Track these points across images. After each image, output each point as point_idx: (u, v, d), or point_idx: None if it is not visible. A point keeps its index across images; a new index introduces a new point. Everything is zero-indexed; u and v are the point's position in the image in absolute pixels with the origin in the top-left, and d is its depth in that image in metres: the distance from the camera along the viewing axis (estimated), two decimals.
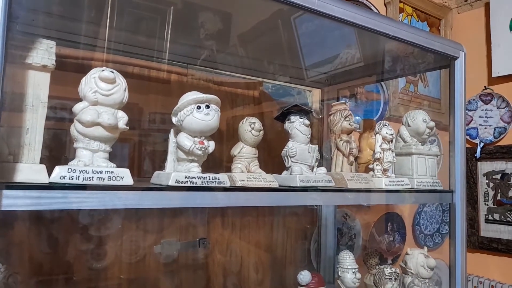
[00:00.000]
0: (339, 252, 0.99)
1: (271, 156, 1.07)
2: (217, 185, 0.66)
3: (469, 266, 1.85)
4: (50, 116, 0.69)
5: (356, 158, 1.01)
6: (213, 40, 1.08)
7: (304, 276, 0.86)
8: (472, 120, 1.97)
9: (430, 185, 1.01)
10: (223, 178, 0.67)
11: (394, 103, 1.86)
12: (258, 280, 1.32)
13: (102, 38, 0.94)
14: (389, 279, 0.95)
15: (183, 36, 1.05)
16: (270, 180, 0.75)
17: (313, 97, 1.58)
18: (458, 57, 1.04)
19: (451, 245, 1.06)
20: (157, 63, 1.13)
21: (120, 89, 0.61)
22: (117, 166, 0.60)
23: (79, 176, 0.56)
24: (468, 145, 1.92)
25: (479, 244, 1.90)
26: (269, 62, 1.30)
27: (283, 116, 0.85)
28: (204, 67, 1.18)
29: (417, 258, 1.02)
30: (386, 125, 1.01)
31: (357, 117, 1.39)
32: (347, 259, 0.92)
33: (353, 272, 0.91)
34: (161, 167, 0.74)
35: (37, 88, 0.56)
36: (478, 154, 1.90)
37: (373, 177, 0.97)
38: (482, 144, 1.91)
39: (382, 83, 1.79)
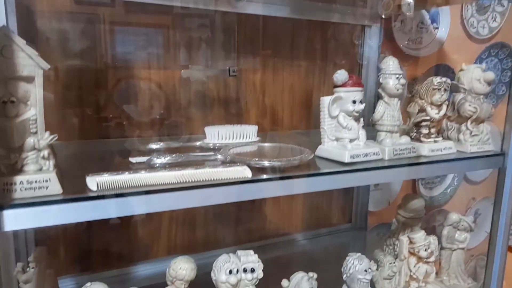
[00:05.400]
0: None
1: None
2: None
3: None
4: None
5: None
6: None
7: (340, 74, 0.77)
8: None
9: None
10: None
11: None
12: (290, 120, 1.27)
13: None
14: (438, 89, 0.84)
15: None
16: None
17: None
18: None
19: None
20: None
21: None
22: None
23: None
24: None
25: None
26: None
27: None
28: None
29: (473, 72, 0.90)
30: None
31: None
32: (391, 64, 0.81)
33: (397, 77, 0.81)
34: None
35: None
36: None
37: None
38: None
39: None
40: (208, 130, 0.89)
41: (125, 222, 1.07)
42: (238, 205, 1.23)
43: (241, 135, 0.90)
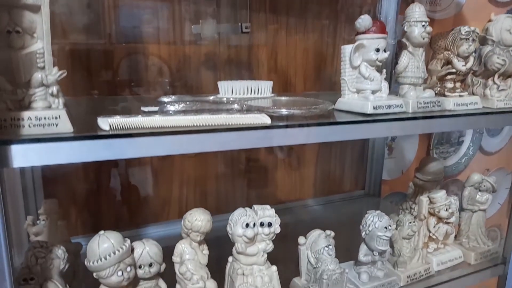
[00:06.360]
0: None
1: None
2: None
3: None
4: None
5: None
6: None
7: (364, 20, 0.72)
8: None
9: None
10: None
11: None
12: (303, 83, 1.23)
13: None
14: (466, 39, 0.79)
15: None
16: None
17: None
18: None
19: None
20: None
21: None
22: None
23: None
24: None
25: None
26: None
27: None
28: None
29: (503, 22, 0.84)
30: None
31: None
32: (417, 11, 0.76)
33: (423, 25, 0.76)
34: None
35: None
36: None
37: None
38: None
39: None
40: (222, 84, 0.85)
41: (136, 184, 1.05)
42: (250, 170, 1.20)
43: (256, 90, 0.86)
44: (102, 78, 0.96)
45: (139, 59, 0.99)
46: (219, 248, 0.72)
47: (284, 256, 0.76)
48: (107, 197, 1.01)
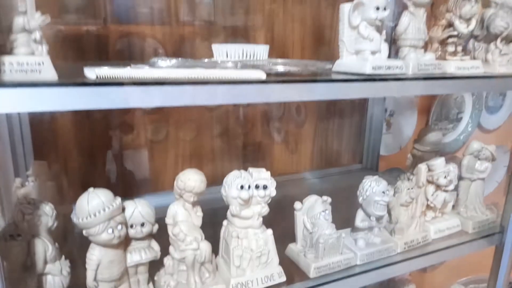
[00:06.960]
0: None
1: None
2: None
3: None
4: None
5: None
6: None
7: None
8: None
9: None
10: None
11: None
12: (301, 52, 1.20)
13: None
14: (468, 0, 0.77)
15: None
16: None
17: None
18: None
19: None
20: None
21: None
22: None
23: None
24: None
25: None
26: None
27: None
28: None
29: None
30: None
31: None
32: None
33: None
34: None
35: None
36: None
37: None
38: None
39: None
40: (216, 48, 0.82)
41: (131, 153, 1.03)
42: (247, 142, 1.18)
43: (252, 54, 0.84)
44: (91, 43, 0.93)
45: (132, 33, 0.96)
46: (215, 220, 0.71)
47: (280, 226, 0.75)
48: (101, 165, 0.99)
